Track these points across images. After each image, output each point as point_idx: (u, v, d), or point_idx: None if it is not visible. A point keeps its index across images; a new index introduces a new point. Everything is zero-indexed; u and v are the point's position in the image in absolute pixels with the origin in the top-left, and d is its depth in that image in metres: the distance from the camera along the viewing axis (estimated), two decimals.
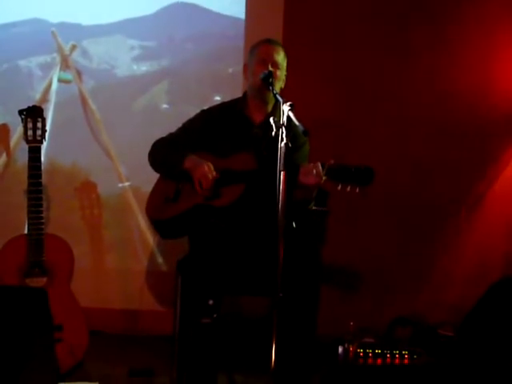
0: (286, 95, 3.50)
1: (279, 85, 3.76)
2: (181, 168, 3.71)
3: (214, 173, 3.67)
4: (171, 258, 4.29)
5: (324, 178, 3.40)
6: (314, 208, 3.87)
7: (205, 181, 3.65)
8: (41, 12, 4.73)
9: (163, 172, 3.86)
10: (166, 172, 3.84)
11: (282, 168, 3.08)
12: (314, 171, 3.41)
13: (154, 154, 3.87)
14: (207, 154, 3.75)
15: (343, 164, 3.39)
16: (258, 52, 3.82)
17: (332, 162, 3.41)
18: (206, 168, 3.66)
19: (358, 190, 3.32)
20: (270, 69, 3.68)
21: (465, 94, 4.75)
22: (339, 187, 3.34)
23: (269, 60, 3.74)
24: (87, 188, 4.78)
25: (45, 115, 3.86)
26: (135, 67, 4.85)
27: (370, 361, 4.10)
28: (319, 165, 3.42)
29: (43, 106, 3.93)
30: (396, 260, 4.74)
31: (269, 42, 3.86)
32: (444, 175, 4.76)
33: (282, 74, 3.80)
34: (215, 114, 3.89)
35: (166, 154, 3.81)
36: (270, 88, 3.54)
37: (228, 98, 4.04)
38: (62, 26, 4.75)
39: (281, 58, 3.80)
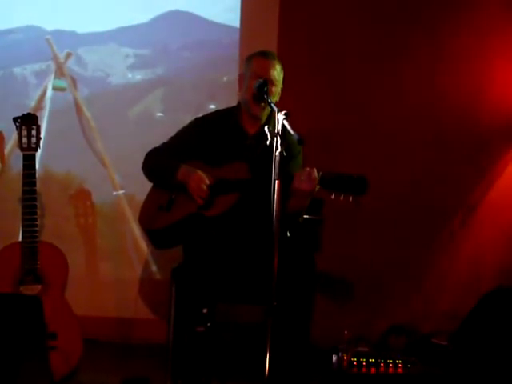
0: (280, 103, 3.51)
1: (274, 99, 3.69)
2: (174, 180, 3.71)
3: (207, 180, 3.66)
4: (165, 266, 4.28)
5: (317, 187, 3.38)
6: (307, 217, 3.86)
7: (200, 191, 3.65)
8: (36, 19, 4.73)
9: (157, 183, 3.85)
10: (159, 183, 3.83)
11: (276, 177, 3.07)
12: (309, 176, 3.39)
13: (148, 165, 3.86)
14: (200, 163, 3.74)
15: (337, 172, 3.37)
16: (254, 66, 3.75)
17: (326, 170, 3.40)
18: (198, 177, 3.66)
19: (351, 199, 3.31)
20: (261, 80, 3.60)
21: (461, 100, 4.75)
22: (332, 196, 3.32)
23: (265, 76, 3.66)
24: (82, 196, 4.77)
25: (39, 123, 3.86)
26: (130, 75, 4.85)
27: (363, 370, 4.10)
28: (314, 170, 3.40)
29: (38, 114, 3.94)
30: (390, 269, 4.73)
31: (265, 56, 3.77)
32: (439, 184, 4.76)
33: (277, 89, 3.75)
34: (209, 123, 3.87)
35: (159, 165, 3.80)
36: (265, 97, 3.49)
37: (223, 107, 4.03)
38: (57, 33, 4.75)
39: (277, 72, 3.74)
